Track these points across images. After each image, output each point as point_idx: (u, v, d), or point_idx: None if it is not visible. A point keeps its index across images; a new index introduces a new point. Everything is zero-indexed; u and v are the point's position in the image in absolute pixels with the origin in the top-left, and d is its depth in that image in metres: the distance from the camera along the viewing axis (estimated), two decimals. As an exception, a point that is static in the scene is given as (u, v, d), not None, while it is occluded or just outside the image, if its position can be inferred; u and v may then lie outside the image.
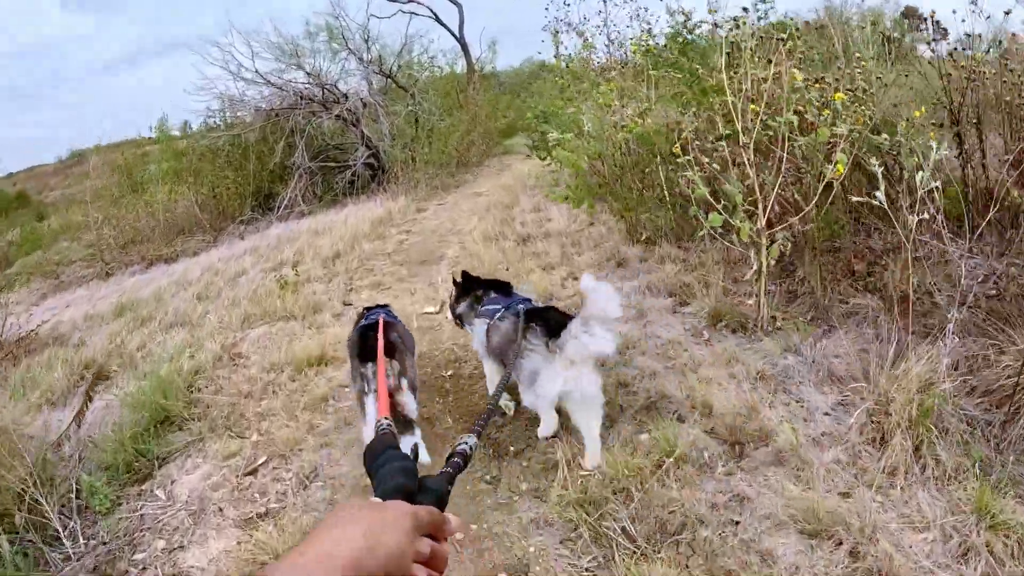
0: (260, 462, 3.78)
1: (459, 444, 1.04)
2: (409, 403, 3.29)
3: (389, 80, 15.97)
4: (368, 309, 4.12)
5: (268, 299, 6.55)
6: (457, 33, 20.91)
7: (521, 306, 3.48)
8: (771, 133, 3.91)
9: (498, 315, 3.57)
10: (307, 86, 14.08)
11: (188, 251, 12.48)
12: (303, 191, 14.01)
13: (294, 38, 14.51)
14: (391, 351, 3.27)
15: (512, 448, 3.54)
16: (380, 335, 2.82)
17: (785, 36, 4.03)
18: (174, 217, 14.43)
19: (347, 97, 14.31)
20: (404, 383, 3.29)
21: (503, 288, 3.91)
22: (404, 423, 3.21)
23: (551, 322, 3.22)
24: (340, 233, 9.08)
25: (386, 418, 1.16)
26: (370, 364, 3.27)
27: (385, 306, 4.26)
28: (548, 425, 3.48)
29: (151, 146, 20.49)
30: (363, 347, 3.38)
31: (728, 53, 4.33)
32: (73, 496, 3.65)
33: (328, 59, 15.60)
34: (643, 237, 6.11)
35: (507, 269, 6.17)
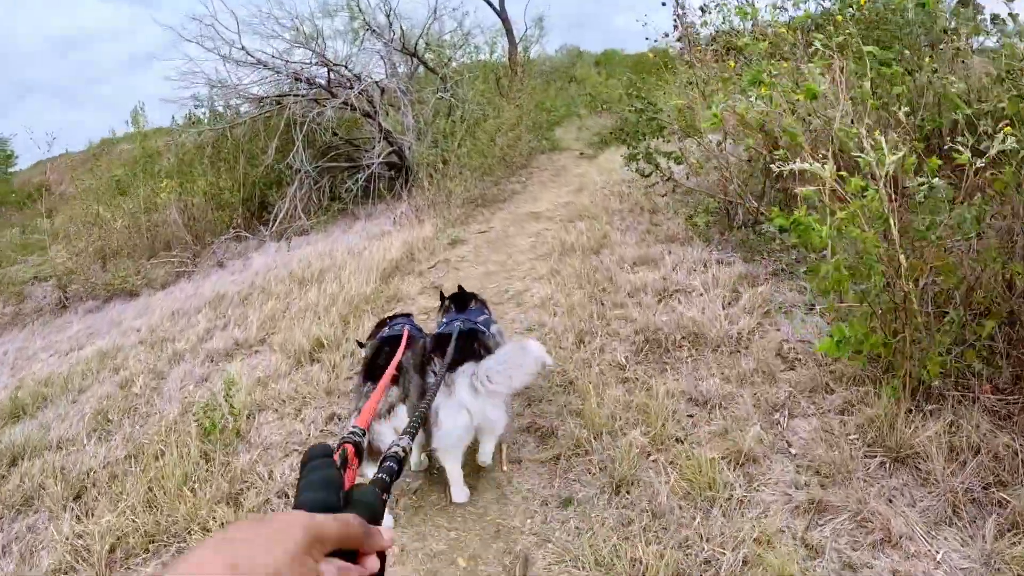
0: None
1: (391, 447, 0.89)
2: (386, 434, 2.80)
3: (414, 60, 12.65)
4: (391, 318, 3.69)
5: (178, 470, 3.44)
6: (497, 6, 17.37)
7: (456, 324, 3.09)
8: None
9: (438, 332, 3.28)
10: (305, 66, 10.85)
11: (156, 281, 9.47)
12: (304, 200, 10.90)
13: (309, 14, 11.31)
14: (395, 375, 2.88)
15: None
16: (401, 348, 2.52)
17: None
18: (153, 228, 11.43)
19: (359, 79, 11.09)
20: (399, 412, 2.88)
21: (458, 301, 3.69)
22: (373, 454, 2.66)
23: (457, 352, 2.81)
24: (332, 290, 5.93)
25: (358, 429, 0.89)
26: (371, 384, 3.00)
27: (408, 315, 3.82)
28: (457, 488, 3.00)
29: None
30: (372, 365, 3.10)
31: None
32: None
33: (348, 41, 12.47)
34: (919, 380, 2.86)
35: (651, 456, 2.98)
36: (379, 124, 10.81)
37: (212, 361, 5.30)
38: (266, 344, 5.34)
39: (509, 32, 17.04)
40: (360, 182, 10.82)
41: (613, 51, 28.86)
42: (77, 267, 10.58)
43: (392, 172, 11.72)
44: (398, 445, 0.88)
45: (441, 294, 4.03)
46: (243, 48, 10.68)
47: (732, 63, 4.99)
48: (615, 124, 13.79)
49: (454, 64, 13.21)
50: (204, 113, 12.43)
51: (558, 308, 4.77)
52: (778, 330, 4.01)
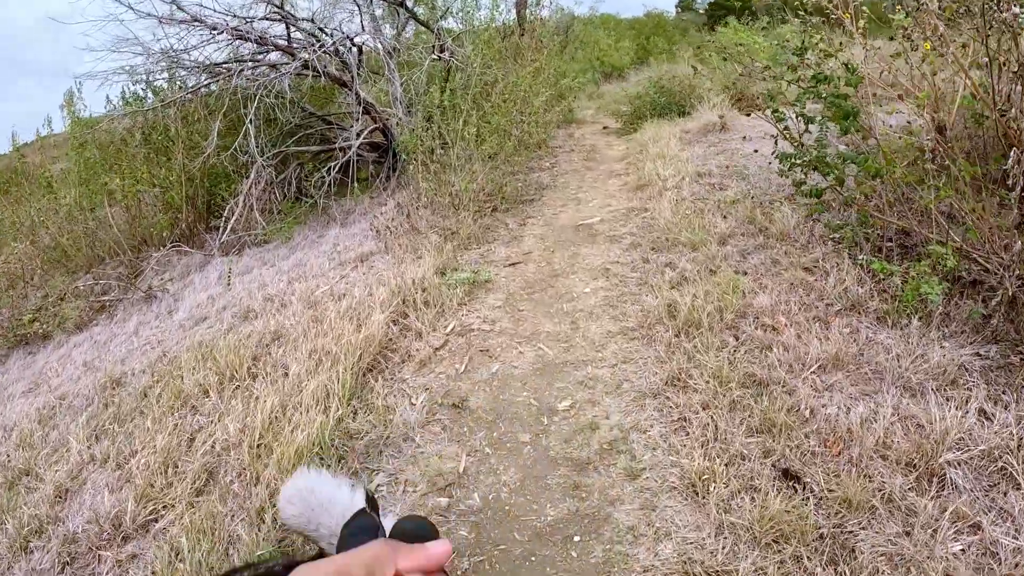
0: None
1: None
2: None
3: (402, 13, 9.83)
4: None
5: None
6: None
7: None
8: None
9: None
10: (248, 20, 8.04)
11: (71, 319, 6.91)
12: (262, 199, 8.30)
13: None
14: None
15: None
16: None
17: None
18: (92, 233, 8.79)
19: (326, 33, 8.41)
20: None
21: None
22: None
23: None
24: (268, 408, 3.40)
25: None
26: None
27: None
28: None
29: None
30: None
31: None
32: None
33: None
34: None
35: None
36: (356, 93, 8.14)
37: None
38: (148, 539, 2.86)
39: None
40: (333, 171, 8.19)
41: (609, 15, 26.29)
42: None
43: (377, 155, 9.11)
44: None
45: None
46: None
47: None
48: (645, 93, 11.15)
49: (452, 21, 10.48)
50: (143, 89, 9.65)
51: (731, 515, 2.27)
52: None
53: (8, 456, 4.19)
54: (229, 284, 6.17)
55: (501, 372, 3.49)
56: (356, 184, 8.16)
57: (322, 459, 2.95)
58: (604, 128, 11.36)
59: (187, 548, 2.59)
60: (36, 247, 8.86)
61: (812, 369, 2.91)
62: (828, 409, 2.67)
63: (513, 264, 5.12)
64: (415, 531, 0.73)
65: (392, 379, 3.60)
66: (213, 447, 3.33)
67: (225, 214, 7.96)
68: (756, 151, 5.13)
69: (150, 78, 8.88)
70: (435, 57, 8.66)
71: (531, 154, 8.64)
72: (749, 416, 2.68)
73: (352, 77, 8.16)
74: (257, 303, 5.29)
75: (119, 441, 3.75)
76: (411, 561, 0.56)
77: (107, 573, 2.79)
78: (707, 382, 2.94)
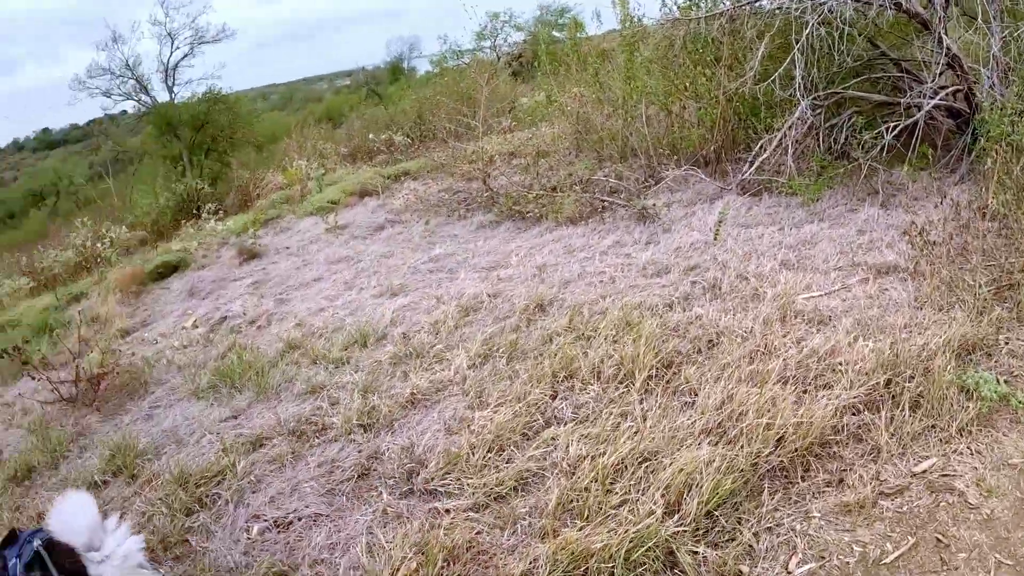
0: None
1: None
2: None
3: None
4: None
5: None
6: None
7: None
8: None
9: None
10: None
11: (564, 213, 7.24)
12: (800, 144, 7.21)
13: None
14: None
15: None
16: None
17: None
18: (627, 126, 9.23)
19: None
20: None
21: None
22: None
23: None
24: (626, 453, 2.68)
25: None
26: None
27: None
28: None
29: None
30: None
31: None
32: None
33: None
34: None
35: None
36: (939, 39, 6.22)
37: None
38: (416, 501, 2.72)
39: None
40: (891, 132, 6.60)
41: None
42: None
43: (955, 124, 7.06)
44: None
45: None
46: None
47: None
48: None
49: None
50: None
51: None
52: None
53: (417, 330, 4.57)
54: (716, 238, 5.61)
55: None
56: (914, 157, 6.51)
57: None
58: None
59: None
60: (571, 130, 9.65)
61: None
62: None
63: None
64: None
65: (790, 505, 2.63)
66: (546, 457, 2.92)
67: (756, 150, 7.24)
68: None
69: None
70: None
71: None
72: None
73: (938, 14, 6.25)
74: (728, 280, 4.56)
75: (495, 379, 3.65)
76: None
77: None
78: None
